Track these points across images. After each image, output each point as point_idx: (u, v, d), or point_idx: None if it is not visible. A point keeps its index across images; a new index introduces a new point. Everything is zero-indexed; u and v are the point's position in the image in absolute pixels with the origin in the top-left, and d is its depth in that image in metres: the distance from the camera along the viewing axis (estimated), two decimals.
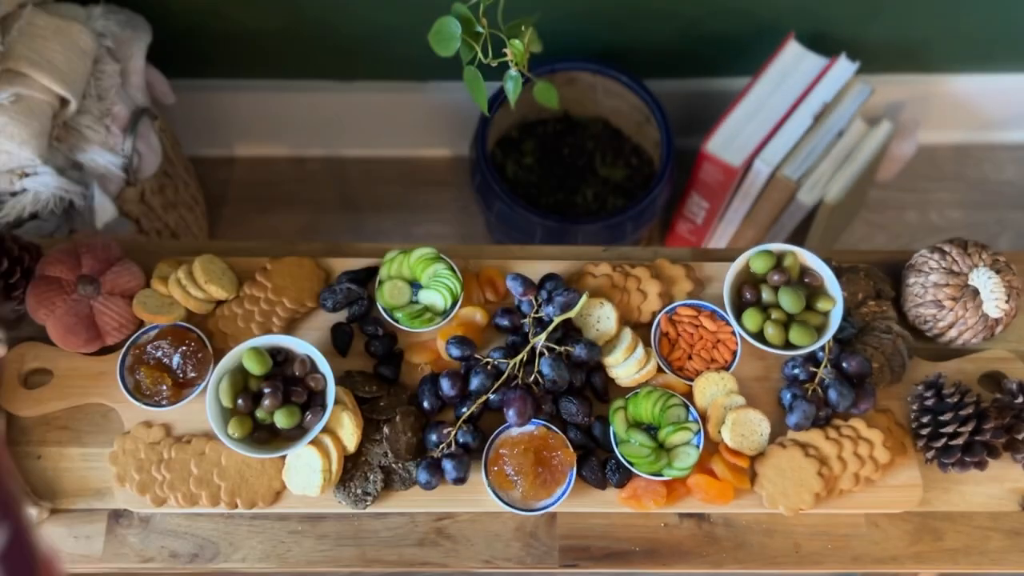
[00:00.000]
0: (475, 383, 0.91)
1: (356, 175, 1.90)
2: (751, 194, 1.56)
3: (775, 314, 0.97)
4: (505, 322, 0.97)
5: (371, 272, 1.02)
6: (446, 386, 0.92)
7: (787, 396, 0.96)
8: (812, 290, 0.99)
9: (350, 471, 0.91)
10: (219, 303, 0.99)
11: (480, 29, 0.85)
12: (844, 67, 1.51)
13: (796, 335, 0.95)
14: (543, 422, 0.92)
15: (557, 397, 0.94)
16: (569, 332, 0.97)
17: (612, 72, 1.57)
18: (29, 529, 0.52)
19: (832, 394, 0.94)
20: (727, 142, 1.51)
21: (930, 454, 0.93)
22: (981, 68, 1.71)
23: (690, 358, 0.97)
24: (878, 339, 0.98)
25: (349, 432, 0.90)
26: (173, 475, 0.90)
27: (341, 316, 1.00)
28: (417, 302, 0.99)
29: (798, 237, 1.61)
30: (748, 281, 1.01)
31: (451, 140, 1.86)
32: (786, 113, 1.50)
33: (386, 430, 0.92)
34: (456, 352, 0.93)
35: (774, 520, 0.93)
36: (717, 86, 1.69)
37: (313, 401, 0.92)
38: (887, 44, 1.61)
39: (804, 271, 1.00)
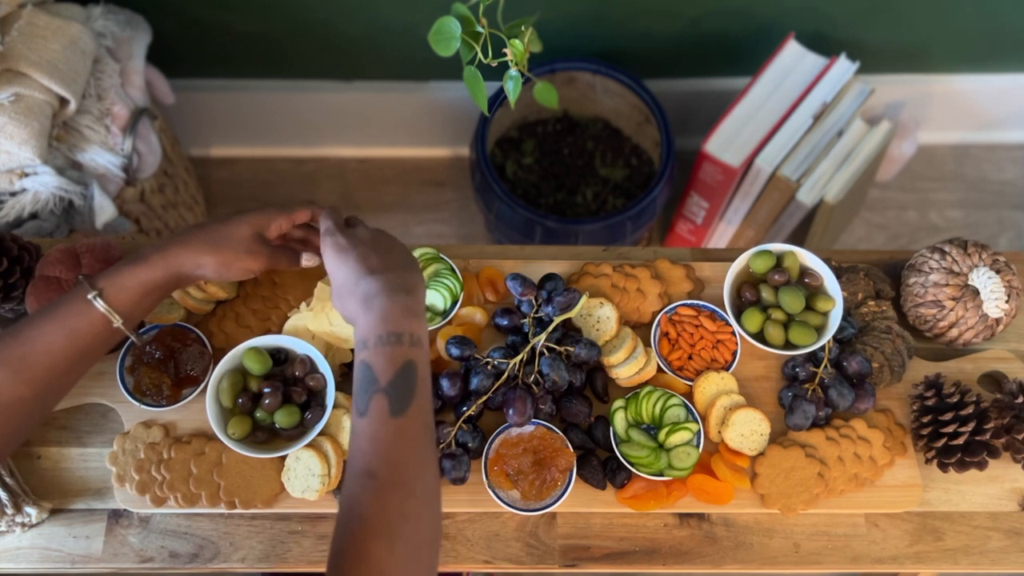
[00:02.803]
0: (475, 383, 0.91)
1: (356, 175, 1.90)
2: (751, 194, 1.56)
3: (775, 314, 0.97)
4: (505, 322, 0.97)
5: None
6: (446, 386, 0.91)
7: (787, 396, 0.96)
8: (812, 290, 0.99)
9: None
10: (219, 303, 0.99)
11: (480, 29, 0.85)
12: (844, 67, 1.51)
13: (796, 335, 0.95)
14: (543, 422, 0.92)
15: (557, 397, 0.94)
16: (569, 332, 0.97)
17: (612, 72, 1.57)
18: None
19: (832, 394, 0.94)
20: (727, 142, 1.51)
21: (930, 454, 0.93)
22: (981, 68, 1.71)
23: (690, 358, 0.97)
24: (878, 339, 0.98)
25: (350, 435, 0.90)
26: (173, 475, 0.90)
27: None
28: None
29: (798, 237, 1.61)
30: (748, 281, 1.01)
31: (451, 140, 1.86)
32: (786, 113, 1.50)
33: None
34: (456, 352, 0.93)
35: (774, 520, 0.93)
36: (717, 86, 1.69)
37: (313, 401, 0.92)
38: (887, 44, 1.61)
39: (804, 271, 1.00)
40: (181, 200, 1.62)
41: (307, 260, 0.93)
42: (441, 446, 0.91)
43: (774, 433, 0.95)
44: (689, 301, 1.00)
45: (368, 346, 0.76)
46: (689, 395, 0.96)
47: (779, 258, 1.00)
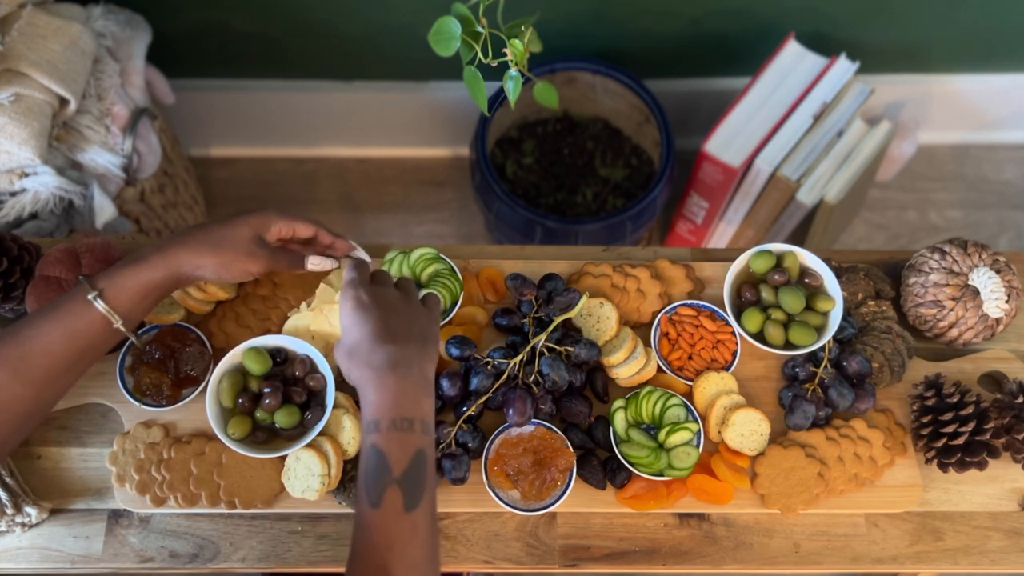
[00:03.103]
0: (475, 383, 0.91)
1: (356, 175, 1.90)
2: (751, 194, 1.56)
3: (775, 314, 0.97)
4: (505, 322, 0.97)
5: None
6: (446, 386, 0.91)
7: (787, 396, 0.96)
8: (812, 290, 0.99)
9: (350, 472, 0.91)
10: (219, 303, 0.99)
11: (480, 29, 0.85)
12: (844, 67, 1.51)
13: (796, 335, 0.95)
14: (543, 422, 0.92)
15: (557, 397, 0.94)
16: (569, 332, 0.97)
17: (612, 72, 1.57)
18: None
19: (832, 394, 0.94)
20: (727, 142, 1.51)
21: (930, 454, 0.93)
22: (981, 68, 1.71)
23: (690, 358, 0.97)
24: (878, 339, 0.98)
25: (350, 435, 0.90)
26: (173, 475, 0.90)
27: None
28: None
29: (798, 237, 1.61)
30: (748, 281, 1.01)
31: (451, 140, 1.86)
32: (786, 113, 1.50)
33: None
34: (456, 352, 0.93)
35: (774, 520, 0.93)
36: (717, 86, 1.69)
37: (313, 401, 0.92)
38: (887, 44, 1.61)
39: (804, 271, 1.00)
40: (181, 200, 1.62)
41: (314, 264, 0.91)
42: (441, 446, 0.91)
43: (774, 433, 0.95)
44: (689, 301, 1.00)
45: (380, 429, 0.75)
46: (689, 395, 0.96)
47: (779, 258, 1.00)
